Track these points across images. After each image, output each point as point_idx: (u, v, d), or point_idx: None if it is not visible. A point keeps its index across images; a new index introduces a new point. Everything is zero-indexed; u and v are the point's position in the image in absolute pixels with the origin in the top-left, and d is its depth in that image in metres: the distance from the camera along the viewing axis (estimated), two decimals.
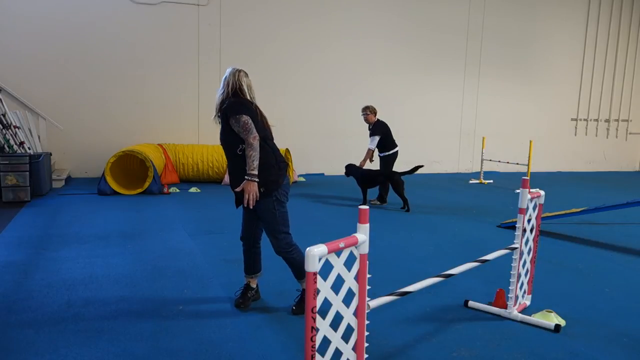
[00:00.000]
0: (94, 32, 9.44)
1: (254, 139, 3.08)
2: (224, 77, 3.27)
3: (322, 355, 2.09)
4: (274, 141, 3.38)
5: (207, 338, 3.02)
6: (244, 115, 3.10)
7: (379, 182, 7.47)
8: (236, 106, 3.14)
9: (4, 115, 7.80)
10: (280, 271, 3.94)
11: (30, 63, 9.13)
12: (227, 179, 9.19)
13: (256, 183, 3.10)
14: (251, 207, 3.14)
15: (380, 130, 7.54)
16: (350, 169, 7.55)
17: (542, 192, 3.53)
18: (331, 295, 2.07)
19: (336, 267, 2.06)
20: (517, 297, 3.44)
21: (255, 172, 3.08)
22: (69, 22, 9.27)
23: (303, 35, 10.91)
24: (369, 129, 7.73)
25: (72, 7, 9.26)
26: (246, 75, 3.30)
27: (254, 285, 3.56)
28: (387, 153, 7.68)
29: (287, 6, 10.70)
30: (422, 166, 7.56)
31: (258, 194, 3.14)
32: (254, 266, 3.52)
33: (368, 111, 7.64)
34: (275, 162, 3.23)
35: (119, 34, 9.59)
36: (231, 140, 3.18)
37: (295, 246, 3.30)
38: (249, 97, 3.25)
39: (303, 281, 3.26)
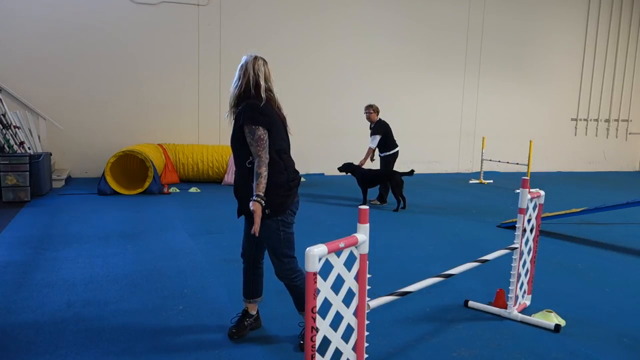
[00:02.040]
0: (94, 32, 9.44)
1: (267, 158, 2.74)
2: (239, 65, 2.86)
3: (322, 355, 2.09)
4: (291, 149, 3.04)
5: (207, 338, 3.02)
6: (260, 128, 2.72)
7: (379, 182, 7.47)
8: (253, 113, 2.74)
9: (4, 115, 7.80)
10: None
11: (30, 63, 9.13)
12: (227, 178, 9.19)
13: (261, 206, 2.73)
14: (256, 234, 2.76)
15: (382, 130, 7.54)
16: (350, 167, 7.54)
17: (542, 192, 3.54)
18: (331, 295, 2.07)
19: (336, 267, 2.06)
20: (517, 297, 3.44)
21: (262, 192, 2.72)
22: (69, 22, 9.27)
23: (303, 35, 10.91)
24: (371, 128, 7.74)
25: (72, 7, 9.26)
26: (265, 63, 2.87)
27: (254, 312, 3.16)
28: (387, 153, 7.68)
29: (286, 6, 10.71)
30: (414, 171, 7.61)
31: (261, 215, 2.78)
32: (254, 289, 3.13)
33: (371, 110, 7.65)
34: (285, 181, 2.83)
35: (119, 34, 9.59)
36: (242, 148, 2.82)
37: (300, 272, 2.92)
38: (264, 93, 2.82)
39: (304, 313, 3.00)
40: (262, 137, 2.73)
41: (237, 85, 2.85)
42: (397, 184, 7.21)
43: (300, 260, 2.86)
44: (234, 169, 3.04)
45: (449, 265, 3.19)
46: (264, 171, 2.73)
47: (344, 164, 7.61)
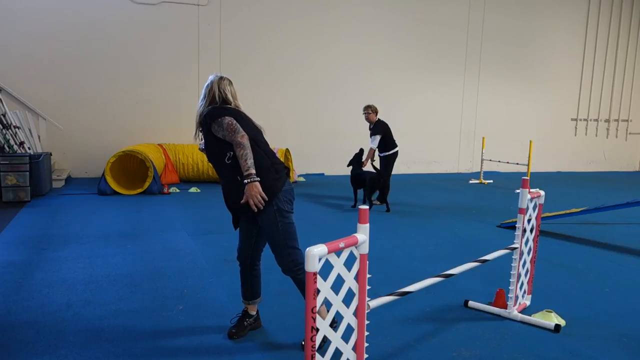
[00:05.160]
0: (94, 32, 9.44)
1: (243, 137, 2.72)
2: (205, 85, 2.96)
3: (322, 355, 2.09)
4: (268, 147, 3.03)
5: (207, 338, 3.02)
6: (226, 117, 2.78)
7: (362, 183, 7.40)
8: (215, 110, 2.83)
9: (4, 115, 7.80)
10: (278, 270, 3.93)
11: (30, 63, 9.13)
12: None
13: (258, 183, 2.71)
14: (260, 209, 2.75)
15: (382, 130, 7.54)
16: (350, 162, 7.52)
17: (542, 192, 3.53)
18: (331, 295, 2.07)
19: (336, 267, 2.06)
20: (517, 297, 3.44)
21: (253, 170, 2.70)
22: (69, 22, 9.27)
23: (302, 35, 10.91)
24: (370, 129, 7.75)
25: (72, 7, 9.26)
26: (230, 83, 2.98)
27: (253, 313, 3.15)
28: (387, 153, 7.68)
29: (286, 6, 10.71)
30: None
31: (265, 196, 2.74)
32: (252, 290, 3.12)
33: (370, 110, 7.65)
34: (270, 165, 2.84)
35: (119, 33, 9.59)
36: (217, 149, 2.84)
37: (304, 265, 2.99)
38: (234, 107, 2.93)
39: None
40: (230, 122, 2.77)
41: (203, 103, 2.94)
42: (371, 185, 7.07)
43: None
44: None
45: (449, 265, 3.19)
46: (244, 152, 2.70)
47: (354, 155, 7.54)
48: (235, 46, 10.37)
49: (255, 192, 2.70)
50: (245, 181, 2.71)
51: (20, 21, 9.01)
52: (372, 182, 7.08)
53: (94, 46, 9.47)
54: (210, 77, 2.99)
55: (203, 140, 2.96)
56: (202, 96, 2.96)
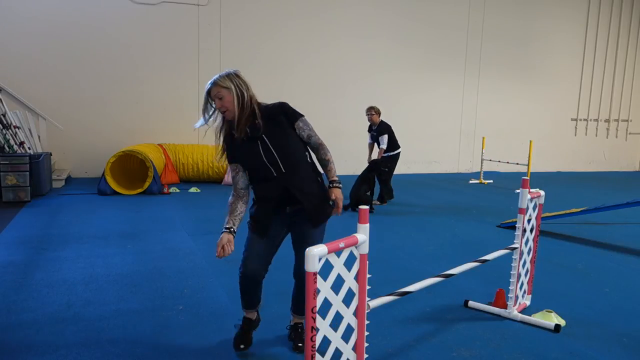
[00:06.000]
0: (94, 32, 9.44)
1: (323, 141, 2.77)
2: (228, 76, 2.68)
3: (322, 355, 2.09)
4: None
5: (207, 338, 3.02)
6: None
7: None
8: (293, 107, 2.77)
9: (4, 115, 7.80)
10: (280, 270, 3.92)
11: (30, 63, 9.13)
12: (227, 178, 9.17)
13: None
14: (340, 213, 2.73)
15: (386, 130, 7.57)
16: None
17: (542, 192, 3.53)
18: (331, 295, 2.07)
19: (336, 267, 2.06)
20: (517, 297, 3.44)
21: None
22: (69, 22, 9.27)
23: (303, 35, 10.91)
24: (371, 130, 7.75)
25: (72, 7, 9.26)
26: None
27: (253, 317, 2.96)
28: (390, 153, 7.69)
29: (286, 6, 10.71)
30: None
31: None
32: (257, 299, 2.91)
33: (373, 111, 7.65)
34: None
35: (118, 34, 9.59)
36: (300, 146, 2.73)
37: None
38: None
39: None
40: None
41: (249, 95, 2.65)
42: (352, 198, 7.02)
43: None
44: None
45: (449, 265, 3.19)
46: (331, 157, 2.79)
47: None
48: (235, 46, 10.36)
49: (342, 196, 2.75)
50: (331, 185, 2.73)
51: (20, 21, 9.01)
52: (350, 194, 7.02)
53: (94, 46, 9.47)
54: (231, 72, 2.70)
55: (267, 140, 2.64)
56: (238, 91, 2.62)
